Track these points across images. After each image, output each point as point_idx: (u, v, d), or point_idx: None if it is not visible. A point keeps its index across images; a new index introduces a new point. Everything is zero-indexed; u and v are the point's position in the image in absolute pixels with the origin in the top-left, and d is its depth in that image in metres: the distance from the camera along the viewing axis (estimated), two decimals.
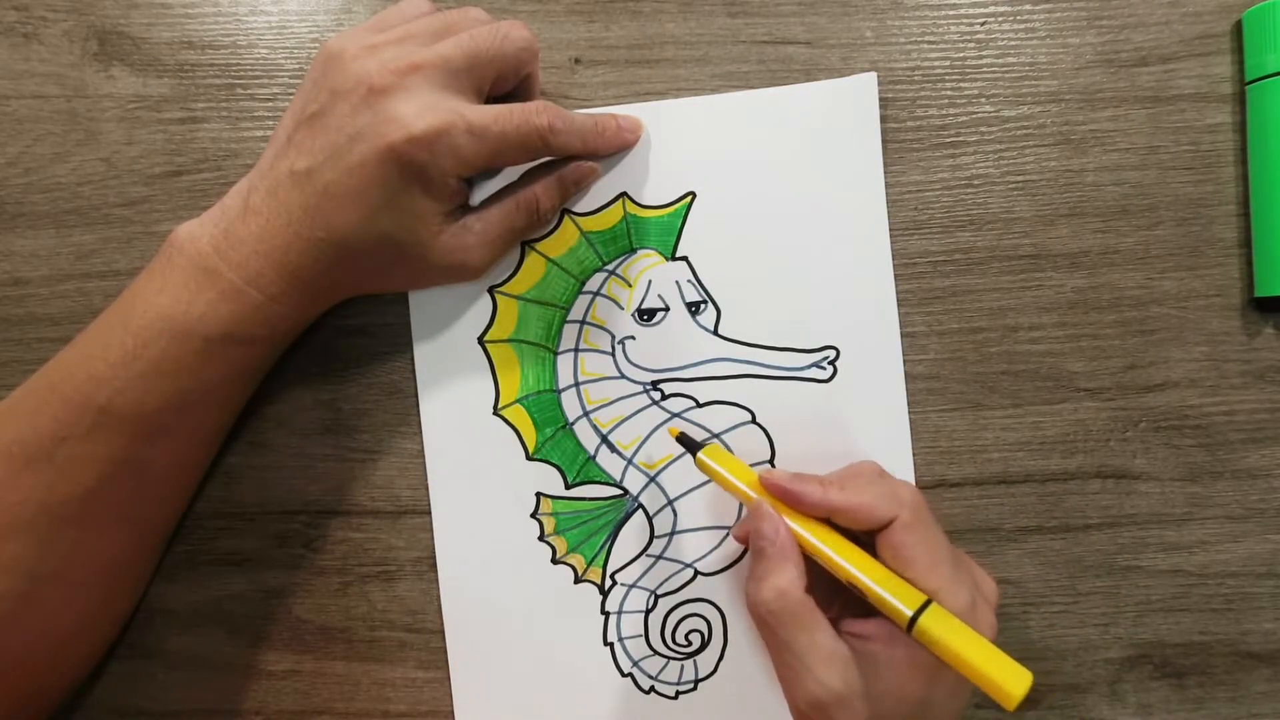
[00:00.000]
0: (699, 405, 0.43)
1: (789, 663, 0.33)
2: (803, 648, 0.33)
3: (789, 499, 0.35)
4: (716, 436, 0.43)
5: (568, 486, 0.43)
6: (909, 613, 0.32)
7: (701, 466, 0.39)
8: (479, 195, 0.41)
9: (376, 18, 0.39)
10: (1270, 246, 0.41)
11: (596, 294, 0.43)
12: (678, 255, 0.43)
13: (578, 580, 0.43)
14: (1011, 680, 0.30)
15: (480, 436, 0.43)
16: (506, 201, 0.40)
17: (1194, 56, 0.42)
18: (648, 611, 0.43)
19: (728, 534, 0.43)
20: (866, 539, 0.35)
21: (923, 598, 0.33)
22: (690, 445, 0.39)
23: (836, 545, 0.35)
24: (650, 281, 0.43)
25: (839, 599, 0.36)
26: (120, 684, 0.44)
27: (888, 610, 0.33)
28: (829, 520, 0.36)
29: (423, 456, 0.43)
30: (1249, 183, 0.42)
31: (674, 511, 0.43)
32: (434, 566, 0.43)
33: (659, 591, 0.43)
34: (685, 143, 0.42)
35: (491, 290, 0.43)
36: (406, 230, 0.37)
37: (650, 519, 0.43)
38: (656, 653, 0.43)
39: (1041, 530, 0.43)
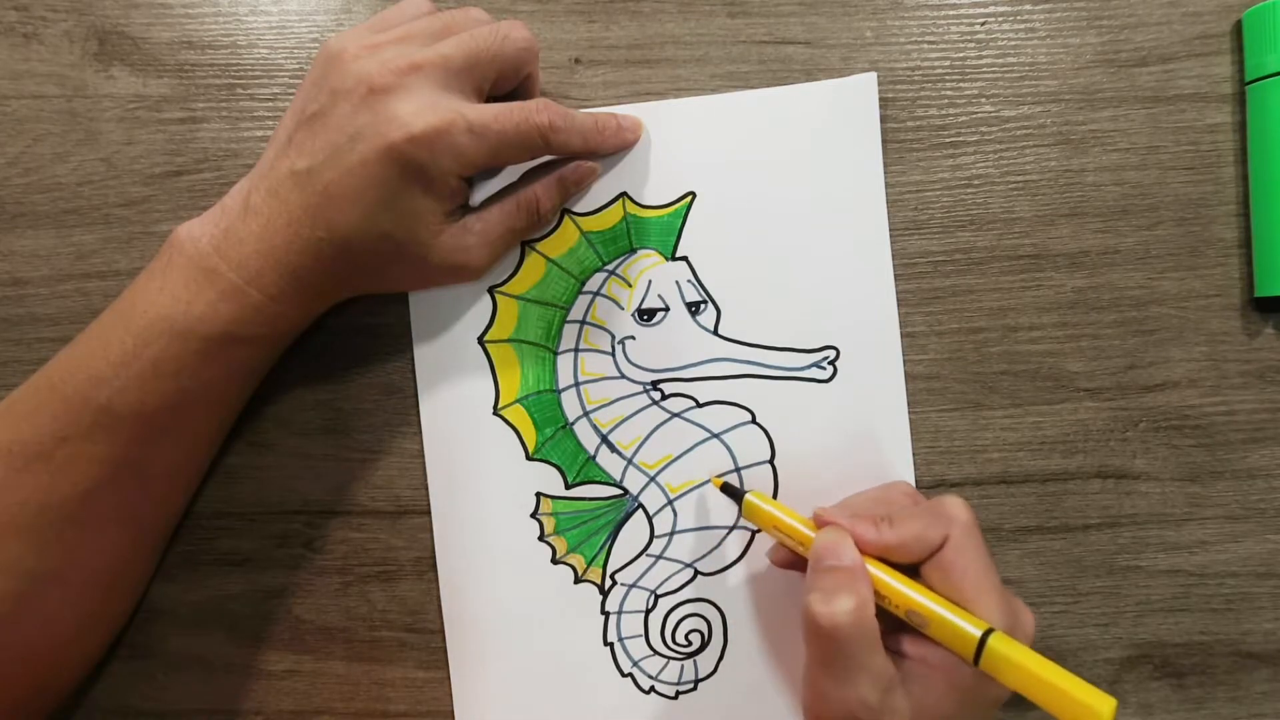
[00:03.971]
0: (699, 405, 0.43)
1: (835, 673, 0.33)
2: (858, 665, 0.33)
3: None
4: (716, 436, 0.43)
5: (568, 486, 0.43)
6: (977, 634, 0.32)
7: (749, 511, 0.39)
8: (479, 195, 0.41)
9: (377, 17, 0.39)
10: (1270, 246, 0.41)
11: (596, 294, 0.43)
12: (678, 255, 0.43)
13: (578, 580, 0.43)
14: (1098, 702, 0.30)
15: (480, 436, 0.43)
16: (507, 201, 0.40)
17: (1194, 56, 0.42)
18: (648, 611, 0.43)
19: (728, 534, 0.43)
20: (909, 567, 0.35)
21: (985, 625, 0.32)
22: (733, 493, 0.41)
23: (893, 575, 0.35)
24: (650, 281, 0.43)
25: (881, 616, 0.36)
26: (120, 684, 0.44)
27: (952, 638, 0.33)
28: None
29: (423, 456, 0.43)
30: (1249, 183, 0.42)
31: (674, 511, 0.43)
32: (434, 566, 0.43)
33: (659, 591, 0.43)
34: (685, 143, 0.42)
35: (491, 290, 0.43)
36: (407, 230, 0.37)
37: (650, 519, 0.43)
38: (656, 653, 0.43)
39: (1041, 530, 0.43)
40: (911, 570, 0.36)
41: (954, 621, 0.33)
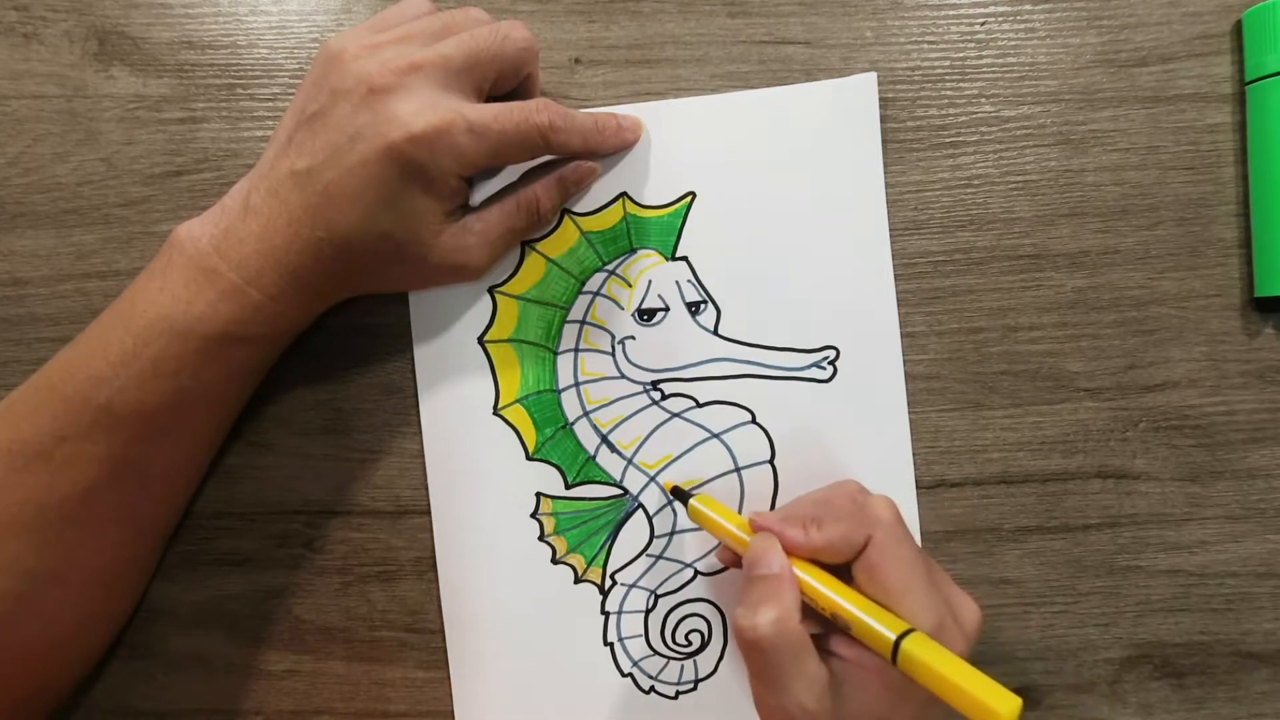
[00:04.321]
0: (699, 405, 0.43)
1: (770, 683, 0.33)
2: (789, 673, 0.33)
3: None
4: (716, 436, 0.43)
5: (568, 486, 0.43)
6: (892, 636, 0.32)
7: (693, 514, 0.40)
8: (479, 195, 0.41)
9: (377, 17, 0.39)
10: (1270, 246, 0.41)
11: (596, 294, 0.43)
12: (678, 255, 0.43)
13: (578, 580, 0.43)
14: (1000, 703, 0.29)
15: (480, 436, 0.43)
16: (507, 201, 0.40)
17: (1194, 56, 0.42)
18: (648, 611, 0.43)
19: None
20: (843, 567, 0.36)
21: (904, 625, 0.32)
22: (681, 496, 0.41)
23: (819, 577, 0.35)
24: (650, 281, 0.43)
25: (817, 618, 0.36)
26: (120, 684, 0.44)
27: (871, 639, 0.33)
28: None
29: (423, 456, 0.43)
30: (1249, 183, 0.42)
31: (674, 511, 0.43)
32: (434, 566, 0.43)
33: (659, 591, 0.43)
34: (685, 143, 0.42)
35: (491, 290, 0.43)
36: (407, 230, 0.37)
37: (650, 519, 0.43)
38: (656, 653, 0.43)
39: (1041, 530, 0.43)
40: (844, 572, 0.36)
41: (870, 624, 0.33)
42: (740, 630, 0.34)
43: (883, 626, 0.32)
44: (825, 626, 0.35)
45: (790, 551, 0.35)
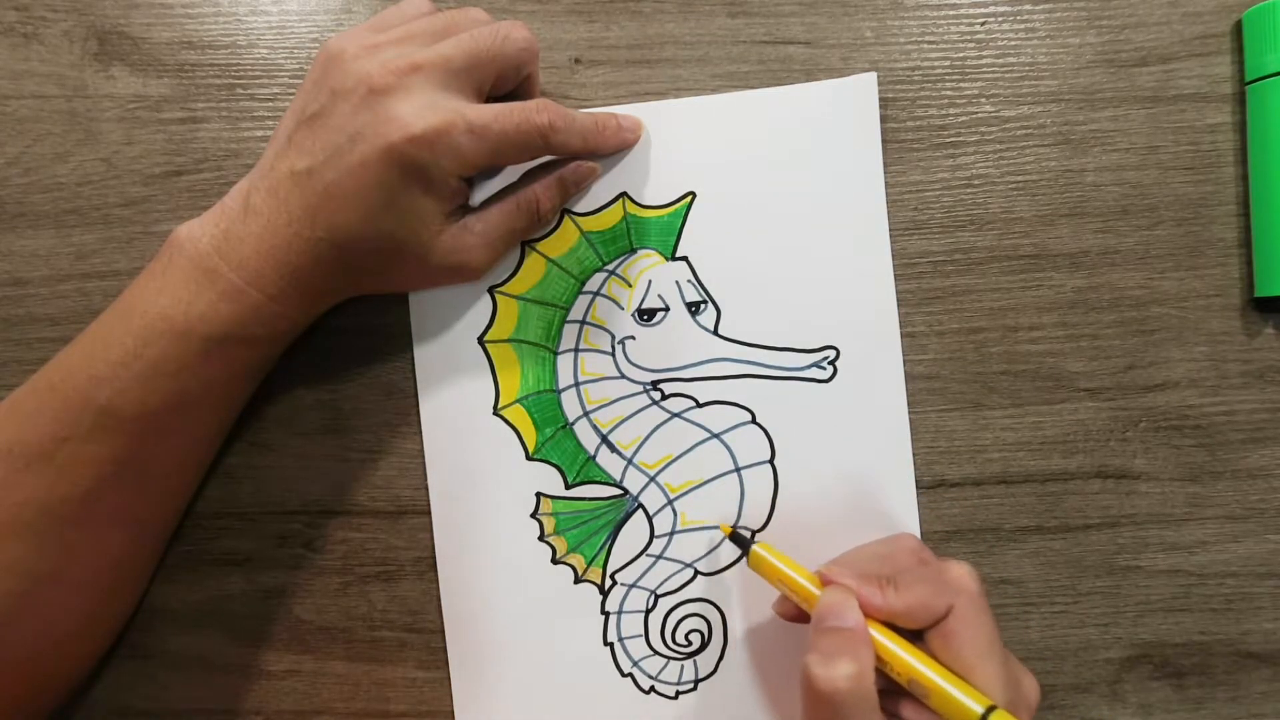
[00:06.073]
0: (699, 405, 0.43)
1: None
2: None
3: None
4: (716, 436, 0.43)
5: (568, 486, 0.43)
6: (979, 710, 0.32)
7: (754, 562, 0.39)
8: (479, 195, 0.41)
9: (377, 18, 0.39)
10: (1270, 246, 0.41)
11: (596, 294, 0.43)
12: (678, 255, 0.43)
13: (578, 580, 0.43)
14: None
15: (480, 436, 0.43)
16: (507, 202, 0.40)
17: (1194, 56, 0.42)
18: (648, 611, 0.43)
19: (725, 537, 0.42)
20: (912, 631, 0.35)
21: (986, 701, 0.32)
22: (741, 542, 0.40)
23: (894, 639, 0.34)
24: (650, 281, 0.43)
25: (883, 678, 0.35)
26: (120, 684, 0.44)
27: (953, 711, 0.32)
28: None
29: (423, 456, 0.43)
30: (1249, 183, 0.42)
31: (674, 511, 0.43)
32: (434, 566, 0.43)
33: (659, 591, 0.43)
34: (685, 143, 0.42)
35: (491, 290, 0.43)
36: (407, 230, 0.37)
37: (650, 519, 0.43)
38: (656, 653, 0.43)
39: (1041, 530, 0.43)
40: (913, 633, 0.35)
41: (956, 696, 0.32)
42: (814, 679, 0.33)
43: (969, 699, 0.32)
44: (887, 685, 0.34)
45: (864, 611, 0.35)
